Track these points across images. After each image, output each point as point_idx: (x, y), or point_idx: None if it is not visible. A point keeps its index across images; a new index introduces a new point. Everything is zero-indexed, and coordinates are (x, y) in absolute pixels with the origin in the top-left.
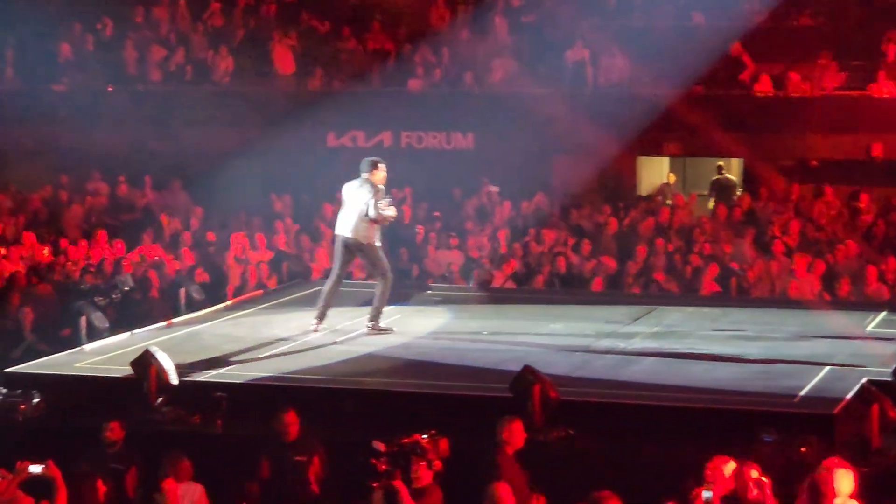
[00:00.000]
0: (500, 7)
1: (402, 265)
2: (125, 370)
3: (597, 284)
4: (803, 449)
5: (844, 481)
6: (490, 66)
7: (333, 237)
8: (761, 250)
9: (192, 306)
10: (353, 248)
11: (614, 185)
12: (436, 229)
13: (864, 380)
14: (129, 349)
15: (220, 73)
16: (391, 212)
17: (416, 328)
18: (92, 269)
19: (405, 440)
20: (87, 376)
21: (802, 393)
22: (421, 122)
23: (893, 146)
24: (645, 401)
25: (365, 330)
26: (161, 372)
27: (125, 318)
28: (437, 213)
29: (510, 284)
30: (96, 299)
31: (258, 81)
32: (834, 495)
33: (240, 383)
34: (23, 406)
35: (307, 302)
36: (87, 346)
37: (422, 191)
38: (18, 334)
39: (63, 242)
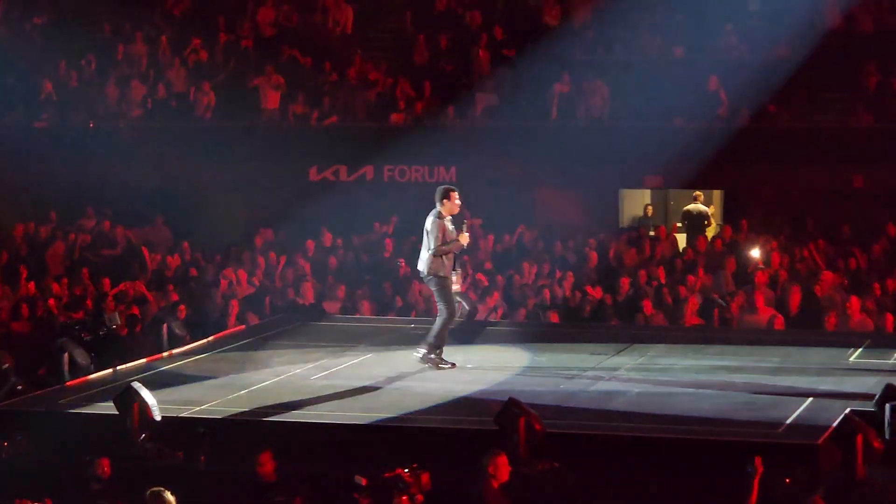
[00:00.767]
0: (483, 41)
1: (385, 299)
2: (108, 407)
3: (582, 316)
4: (788, 480)
5: None
6: (472, 100)
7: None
8: (742, 282)
9: (175, 342)
10: (424, 281)
11: (597, 218)
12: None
13: (847, 410)
14: (112, 385)
15: (203, 108)
16: (463, 240)
17: (400, 361)
18: (76, 306)
19: (387, 474)
20: (69, 413)
21: (787, 423)
22: (403, 156)
23: (874, 178)
24: (630, 433)
25: (419, 361)
26: (144, 408)
27: (109, 354)
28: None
29: (494, 317)
30: (82, 335)
31: (241, 116)
32: None
33: (222, 419)
34: (5, 444)
35: (290, 337)
36: (70, 383)
37: (405, 224)
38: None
39: (46, 279)
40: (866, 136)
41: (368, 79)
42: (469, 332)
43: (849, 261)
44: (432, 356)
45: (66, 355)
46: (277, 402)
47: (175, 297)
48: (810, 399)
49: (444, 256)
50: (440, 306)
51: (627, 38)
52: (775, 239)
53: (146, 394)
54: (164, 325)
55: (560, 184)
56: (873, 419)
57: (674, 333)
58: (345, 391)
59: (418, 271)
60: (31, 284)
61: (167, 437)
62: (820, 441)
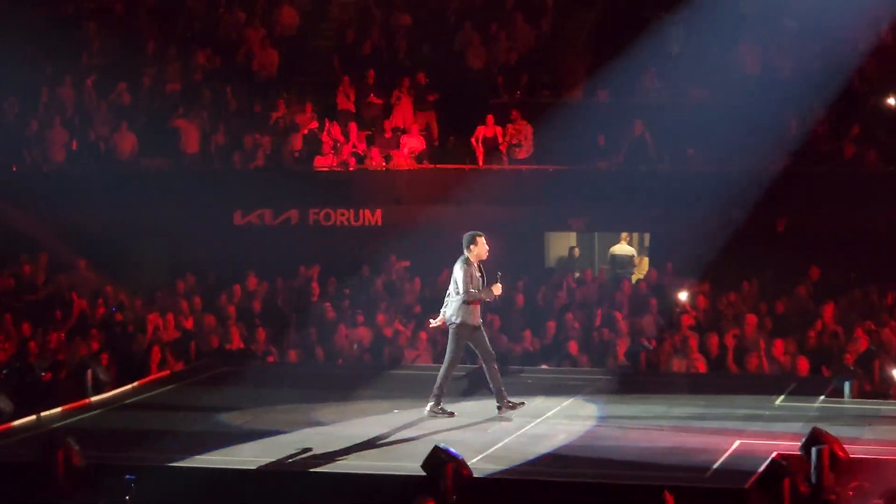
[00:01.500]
0: (406, 85)
1: (309, 343)
2: (32, 454)
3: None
4: None
5: None
6: (397, 143)
7: None
8: (669, 325)
9: (99, 388)
10: (450, 326)
11: (523, 261)
12: (344, 307)
13: (774, 454)
14: (35, 432)
15: (126, 152)
16: (496, 290)
17: (325, 406)
18: None
19: None
20: None
21: (714, 468)
22: (329, 199)
23: (796, 221)
24: (558, 477)
25: (498, 412)
26: (69, 455)
27: (32, 400)
28: (346, 291)
29: (422, 361)
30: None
31: (164, 160)
32: None
33: (146, 466)
34: None
35: (216, 382)
36: None
37: (330, 268)
38: None
39: None
40: (787, 180)
41: (293, 122)
42: (397, 378)
43: (773, 304)
44: (439, 406)
45: None
46: (202, 447)
47: (99, 343)
48: (737, 443)
49: (472, 305)
50: (448, 353)
51: (554, 83)
52: (700, 282)
53: (71, 440)
54: (89, 371)
55: (486, 225)
56: (800, 462)
57: (600, 377)
58: (272, 436)
59: (446, 319)
60: None
61: (91, 485)
62: (747, 485)
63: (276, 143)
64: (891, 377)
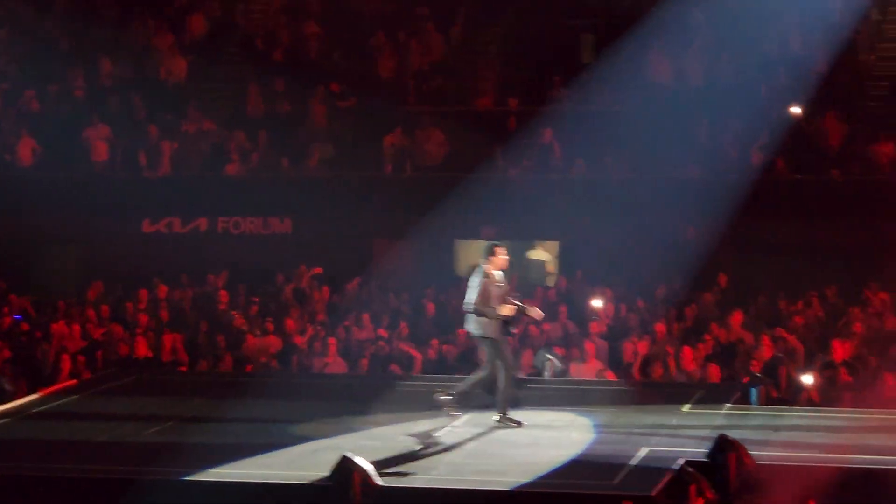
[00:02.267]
0: (319, 93)
1: (218, 352)
2: None
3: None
4: None
5: None
6: (308, 151)
7: None
8: (580, 332)
9: (4, 398)
10: (476, 342)
11: (434, 269)
12: (252, 315)
13: (681, 461)
14: None
15: (32, 159)
16: (504, 312)
17: (236, 414)
18: None
19: None
20: None
21: (622, 475)
22: (238, 207)
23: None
24: (465, 486)
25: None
26: None
27: None
28: (255, 298)
29: (332, 369)
30: None
31: (72, 168)
32: None
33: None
34: None
35: (124, 391)
36: None
37: (240, 276)
38: None
39: None
40: (697, 188)
41: (202, 129)
42: (306, 386)
43: (682, 311)
44: (506, 416)
45: None
46: (108, 458)
47: (5, 352)
48: (645, 451)
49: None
50: (498, 364)
51: (464, 91)
52: (610, 289)
53: None
54: None
55: (396, 234)
56: (707, 469)
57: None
58: (179, 446)
59: (468, 331)
60: None
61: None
62: (654, 492)
63: (184, 150)
64: (797, 383)
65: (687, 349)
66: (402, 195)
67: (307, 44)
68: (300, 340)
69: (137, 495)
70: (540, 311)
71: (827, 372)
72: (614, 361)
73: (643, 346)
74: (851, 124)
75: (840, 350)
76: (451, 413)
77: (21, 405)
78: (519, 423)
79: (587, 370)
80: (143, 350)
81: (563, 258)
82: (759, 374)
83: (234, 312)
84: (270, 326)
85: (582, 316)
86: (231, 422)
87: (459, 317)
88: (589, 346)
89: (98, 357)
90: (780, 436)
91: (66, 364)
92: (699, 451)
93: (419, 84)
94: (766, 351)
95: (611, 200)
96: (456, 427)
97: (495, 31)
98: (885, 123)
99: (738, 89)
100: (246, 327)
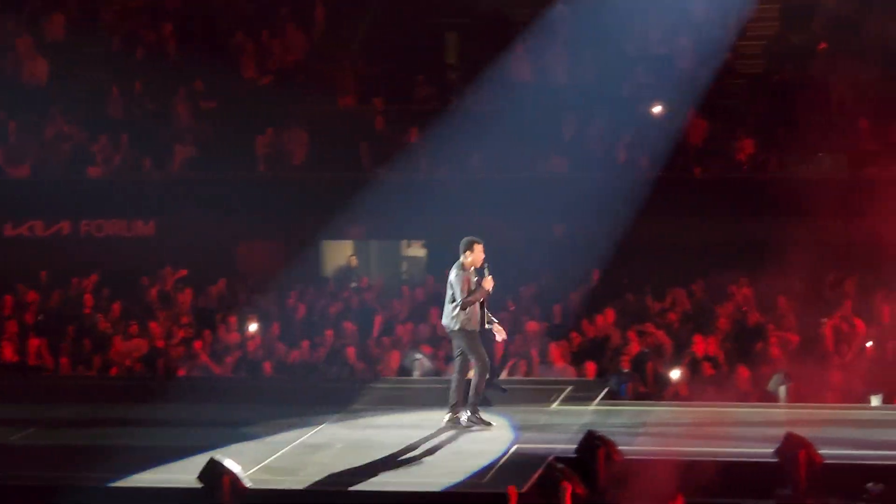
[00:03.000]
0: (182, 93)
1: (84, 355)
2: None
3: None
4: None
5: None
6: (171, 152)
7: None
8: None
9: None
10: (451, 335)
11: (300, 270)
12: (115, 318)
13: (550, 457)
14: None
15: None
16: (487, 285)
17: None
18: None
19: None
20: None
21: (492, 472)
22: (101, 210)
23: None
24: (335, 487)
25: (462, 423)
26: None
27: None
28: (119, 301)
29: (198, 372)
30: None
31: None
32: None
33: None
34: None
35: None
36: None
37: (104, 279)
38: None
39: None
40: (564, 187)
41: (64, 132)
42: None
43: (550, 309)
44: (474, 416)
45: None
46: None
47: None
48: (514, 448)
49: (470, 309)
50: (472, 359)
51: (329, 89)
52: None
53: None
54: None
55: (262, 235)
56: (576, 465)
57: (377, 385)
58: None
59: (444, 325)
60: None
61: None
62: (524, 489)
63: (45, 153)
64: (665, 379)
65: (554, 346)
66: (266, 196)
67: (168, 44)
68: (166, 343)
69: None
70: (491, 280)
71: (691, 367)
72: None
73: (512, 344)
74: (713, 122)
75: (702, 345)
76: (483, 424)
77: None
78: (489, 424)
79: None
80: (8, 355)
81: (432, 257)
82: (626, 370)
83: (99, 315)
84: (134, 329)
85: None
86: (97, 426)
87: (327, 317)
88: None
89: None
90: (648, 431)
91: None
92: (568, 447)
93: (282, 84)
94: (633, 347)
95: (477, 199)
96: (325, 428)
97: (358, 30)
98: (745, 121)
99: (602, 87)
100: (111, 331)
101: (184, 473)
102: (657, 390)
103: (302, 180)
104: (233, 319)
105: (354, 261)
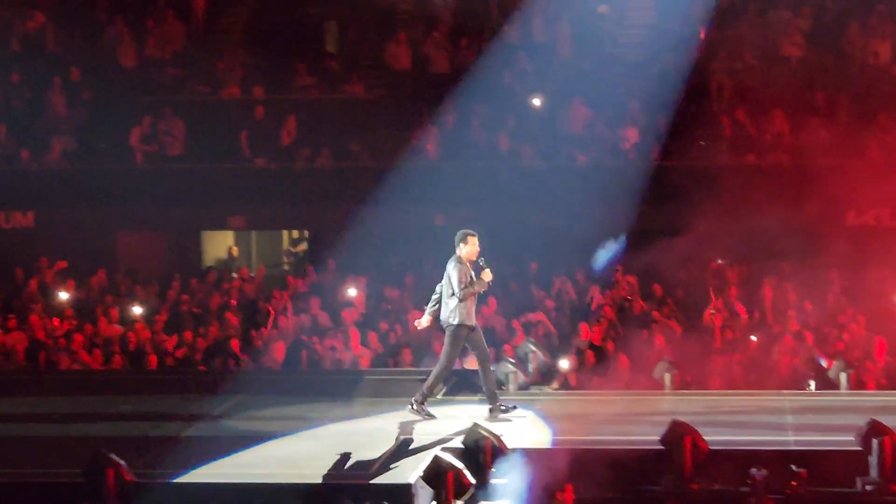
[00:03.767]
0: (58, 84)
1: None
2: None
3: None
4: None
5: None
6: (49, 143)
7: None
8: (334, 321)
9: None
10: (446, 329)
11: (180, 260)
12: None
13: (437, 449)
14: None
15: None
16: (486, 277)
17: None
18: None
19: None
20: None
21: (377, 464)
22: None
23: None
24: (220, 479)
25: (490, 414)
26: None
27: None
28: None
29: (78, 365)
30: None
31: None
32: None
33: None
34: None
35: None
36: None
37: None
38: None
39: None
40: (444, 175)
41: None
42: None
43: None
44: (423, 405)
45: None
46: None
47: None
48: (402, 438)
49: (468, 304)
50: (443, 354)
51: (209, 79)
52: (362, 277)
53: None
54: None
55: (142, 226)
56: (463, 456)
57: (262, 377)
58: None
59: (441, 321)
60: None
61: None
62: (411, 480)
63: None
64: (552, 367)
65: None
66: (145, 186)
67: (44, 34)
68: (46, 336)
69: None
70: (489, 273)
71: (578, 355)
72: (368, 348)
73: (399, 334)
74: (595, 110)
75: (587, 333)
76: (504, 413)
77: None
78: (433, 416)
79: (343, 358)
80: None
81: (314, 248)
82: (512, 360)
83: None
84: (13, 323)
85: (334, 306)
86: None
87: (209, 308)
88: (354, 334)
89: None
90: (533, 420)
91: None
92: (456, 438)
93: (161, 73)
94: (517, 336)
95: (359, 189)
96: (209, 420)
97: (237, 19)
98: (627, 109)
99: (482, 76)
100: None
101: (67, 467)
102: (541, 379)
103: (181, 170)
104: (114, 311)
105: (236, 251)
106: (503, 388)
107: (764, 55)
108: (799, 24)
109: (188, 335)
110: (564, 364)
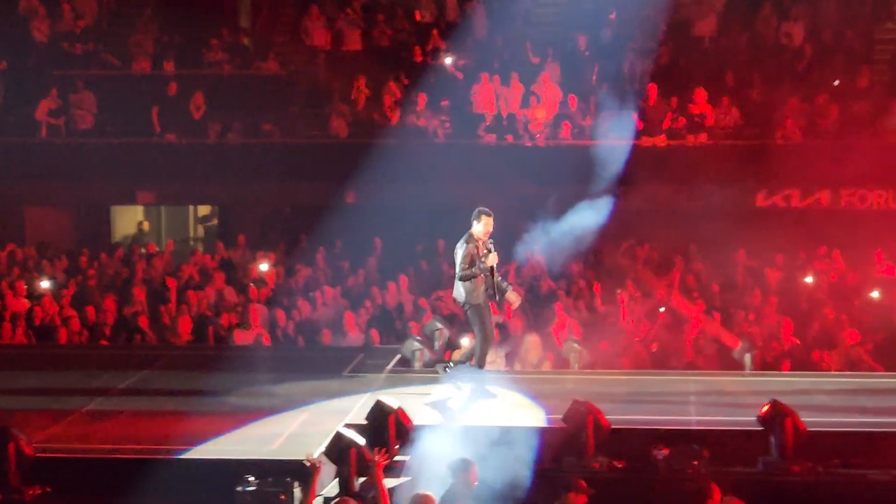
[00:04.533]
0: None
1: None
2: None
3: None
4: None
5: None
6: None
7: None
8: (241, 296)
9: None
10: (461, 307)
11: (89, 235)
12: None
13: (341, 425)
14: None
15: None
16: (489, 262)
17: None
18: None
19: None
20: None
21: (281, 440)
22: None
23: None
24: (121, 454)
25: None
26: None
27: None
28: None
29: None
30: None
31: None
32: None
33: None
34: None
35: None
36: None
37: None
38: None
39: None
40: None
41: None
42: None
43: (346, 277)
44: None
45: None
46: None
47: None
48: (305, 415)
49: (475, 283)
50: (476, 331)
51: (117, 53)
52: (272, 254)
53: None
54: None
55: (50, 201)
56: (366, 432)
57: (167, 352)
58: None
59: (454, 297)
60: None
61: None
62: (315, 456)
63: None
64: (453, 345)
65: (349, 314)
66: (54, 161)
67: None
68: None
69: None
70: (495, 257)
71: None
72: (274, 327)
73: (308, 312)
74: (505, 88)
75: (495, 311)
76: (458, 385)
77: None
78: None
79: (246, 335)
80: None
81: (223, 223)
82: (419, 338)
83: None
84: None
85: (243, 281)
86: None
87: (118, 283)
88: (253, 312)
89: None
90: (435, 397)
91: None
92: (359, 414)
93: (72, 48)
94: (424, 315)
95: (269, 165)
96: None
97: None
98: (535, 89)
99: (394, 53)
100: None
101: None
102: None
103: (91, 145)
104: (21, 285)
105: (146, 226)
106: (411, 366)
107: (677, 35)
108: (713, 3)
109: (91, 310)
110: (465, 342)
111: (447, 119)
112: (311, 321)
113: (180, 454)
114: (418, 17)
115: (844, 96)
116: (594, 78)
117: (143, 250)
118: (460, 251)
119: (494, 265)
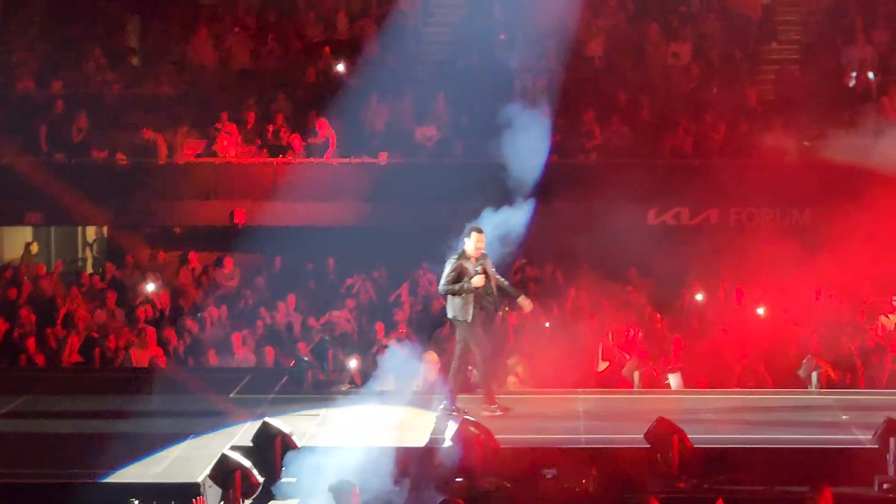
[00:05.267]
0: None
1: None
2: None
3: None
4: None
5: None
6: None
7: None
8: (128, 319)
9: None
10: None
11: None
12: None
13: (227, 447)
14: None
15: None
16: (475, 283)
17: None
18: None
19: None
20: None
21: (166, 462)
22: None
23: (255, 212)
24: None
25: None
26: None
27: None
28: None
29: None
30: None
31: None
32: None
33: None
34: None
35: None
36: None
37: None
38: None
39: None
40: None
41: None
42: None
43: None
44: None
45: None
46: None
47: None
48: (191, 437)
49: (465, 299)
50: (467, 347)
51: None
52: (161, 274)
53: None
54: None
55: None
56: (252, 454)
57: (52, 375)
58: None
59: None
60: None
61: None
62: (200, 479)
63: None
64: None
65: (236, 334)
66: None
67: None
68: None
69: None
70: (481, 279)
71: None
72: (164, 347)
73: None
74: (396, 107)
75: (382, 331)
76: (464, 413)
77: None
78: (507, 409)
79: (138, 356)
80: None
81: (112, 244)
82: (307, 359)
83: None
84: None
85: (132, 303)
86: None
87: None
88: (150, 333)
89: None
90: (326, 419)
91: None
92: (246, 436)
93: None
94: (315, 334)
95: (158, 185)
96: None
97: (35, 12)
98: (427, 107)
99: (285, 72)
100: None
101: None
102: (337, 377)
103: None
104: None
105: (35, 247)
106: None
107: (568, 55)
108: (601, 25)
109: None
110: (352, 363)
111: (338, 137)
112: (200, 342)
113: (64, 478)
114: (309, 36)
115: (732, 115)
116: (486, 96)
117: (31, 271)
118: (446, 267)
119: (479, 286)
